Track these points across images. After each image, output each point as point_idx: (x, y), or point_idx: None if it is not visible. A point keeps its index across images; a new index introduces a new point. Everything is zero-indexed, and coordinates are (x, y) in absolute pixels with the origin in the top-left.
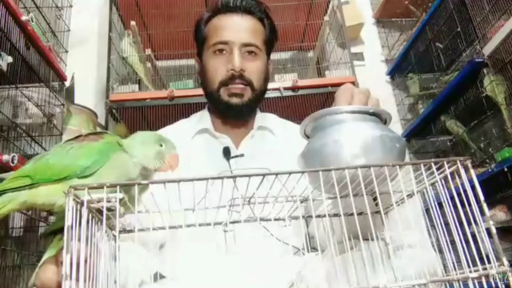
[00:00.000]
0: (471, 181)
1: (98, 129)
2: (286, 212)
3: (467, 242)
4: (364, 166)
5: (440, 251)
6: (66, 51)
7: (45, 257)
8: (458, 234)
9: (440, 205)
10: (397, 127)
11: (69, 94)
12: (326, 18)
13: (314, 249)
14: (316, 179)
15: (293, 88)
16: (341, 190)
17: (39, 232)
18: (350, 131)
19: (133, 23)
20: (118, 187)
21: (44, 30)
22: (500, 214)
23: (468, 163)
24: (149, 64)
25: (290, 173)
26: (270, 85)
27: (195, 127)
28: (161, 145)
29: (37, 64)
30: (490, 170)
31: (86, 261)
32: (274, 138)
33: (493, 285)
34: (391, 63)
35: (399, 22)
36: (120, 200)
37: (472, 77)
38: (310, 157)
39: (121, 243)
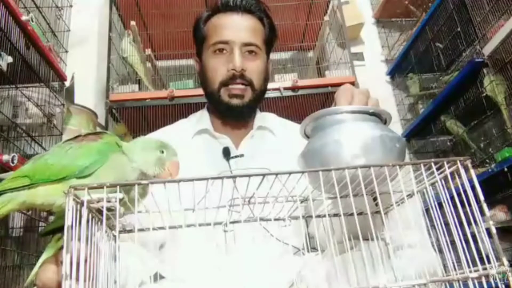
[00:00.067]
0: (471, 181)
1: (98, 129)
2: (286, 212)
3: (467, 242)
4: (364, 166)
5: (440, 251)
6: (66, 51)
7: (43, 257)
8: (458, 234)
9: (440, 205)
10: (397, 127)
11: (69, 94)
12: (326, 18)
13: (314, 249)
14: (316, 179)
15: (293, 88)
16: (341, 190)
17: (39, 232)
18: (350, 131)
19: (133, 23)
20: (118, 187)
21: (44, 30)
22: (500, 214)
23: (468, 163)
24: (149, 64)
25: (290, 173)
26: (270, 85)
27: (194, 128)
28: (162, 152)
29: (37, 64)
30: (490, 170)
31: (86, 261)
32: (274, 138)
33: (493, 285)
34: (391, 63)
35: (399, 22)
36: (120, 200)
37: (472, 77)
38: (310, 157)
39: (121, 243)
